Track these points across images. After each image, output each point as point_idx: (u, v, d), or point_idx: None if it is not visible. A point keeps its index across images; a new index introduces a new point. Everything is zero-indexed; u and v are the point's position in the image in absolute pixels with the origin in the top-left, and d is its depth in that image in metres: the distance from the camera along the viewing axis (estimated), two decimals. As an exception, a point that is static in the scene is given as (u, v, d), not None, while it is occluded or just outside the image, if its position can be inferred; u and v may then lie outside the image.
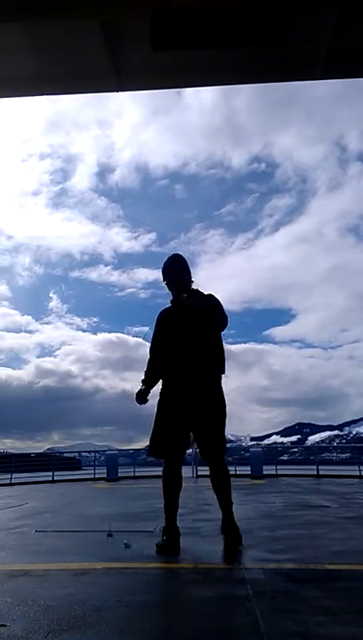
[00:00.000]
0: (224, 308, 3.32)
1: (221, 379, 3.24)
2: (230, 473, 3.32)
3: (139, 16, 2.67)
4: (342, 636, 1.59)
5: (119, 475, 13.51)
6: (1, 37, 2.83)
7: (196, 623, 1.76)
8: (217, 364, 3.22)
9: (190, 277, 3.39)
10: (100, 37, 2.80)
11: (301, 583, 2.25)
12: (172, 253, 3.43)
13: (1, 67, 3.05)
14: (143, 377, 3.39)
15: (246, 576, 2.36)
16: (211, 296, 3.30)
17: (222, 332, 3.32)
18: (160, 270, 3.40)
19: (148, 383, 3.37)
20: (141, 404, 3.37)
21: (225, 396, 3.23)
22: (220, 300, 3.32)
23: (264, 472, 13.08)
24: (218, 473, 3.15)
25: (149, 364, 3.40)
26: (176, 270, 3.35)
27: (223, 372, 3.27)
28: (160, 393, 3.31)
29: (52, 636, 1.59)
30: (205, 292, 3.32)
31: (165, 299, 3.52)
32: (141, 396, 3.36)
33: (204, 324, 3.19)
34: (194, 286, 3.37)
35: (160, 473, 3.24)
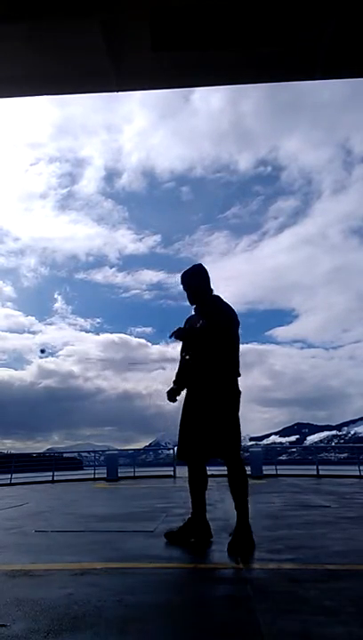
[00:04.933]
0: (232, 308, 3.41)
1: (230, 380, 3.26)
2: None
3: (139, 16, 2.67)
4: (342, 636, 1.59)
5: (119, 475, 13.51)
6: (1, 38, 2.83)
7: (196, 623, 1.76)
8: (223, 367, 3.26)
9: (207, 285, 3.49)
10: (100, 38, 2.80)
11: (301, 583, 2.25)
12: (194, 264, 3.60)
13: (1, 67, 3.05)
14: (174, 377, 3.59)
15: (246, 576, 2.36)
16: (214, 303, 3.42)
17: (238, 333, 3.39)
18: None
19: (178, 383, 3.55)
20: (171, 401, 3.53)
21: (237, 396, 3.26)
22: (224, 304, 3.40)
23: (264, 472, 13.07)
24: (232, 472, 3.14)
25: (179, 364, 3.60)
26: (192, 277, 3.49)
27: (232, 374, 3.29)
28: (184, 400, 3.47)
29: (52, 636, 1.59)
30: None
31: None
32: (172, 394, 3.53)
33: (210, 332, 3.29)
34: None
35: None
